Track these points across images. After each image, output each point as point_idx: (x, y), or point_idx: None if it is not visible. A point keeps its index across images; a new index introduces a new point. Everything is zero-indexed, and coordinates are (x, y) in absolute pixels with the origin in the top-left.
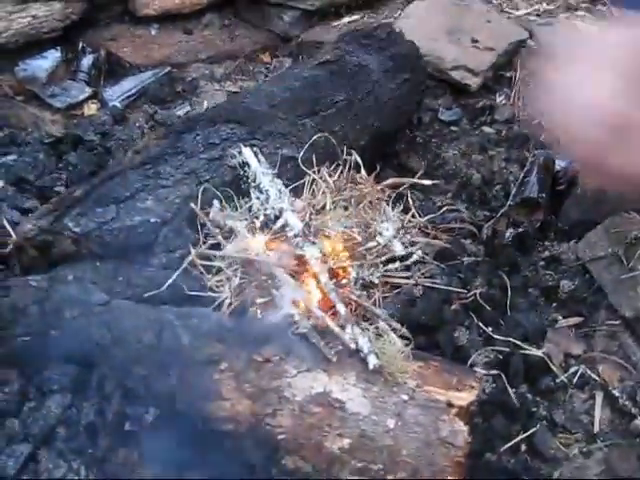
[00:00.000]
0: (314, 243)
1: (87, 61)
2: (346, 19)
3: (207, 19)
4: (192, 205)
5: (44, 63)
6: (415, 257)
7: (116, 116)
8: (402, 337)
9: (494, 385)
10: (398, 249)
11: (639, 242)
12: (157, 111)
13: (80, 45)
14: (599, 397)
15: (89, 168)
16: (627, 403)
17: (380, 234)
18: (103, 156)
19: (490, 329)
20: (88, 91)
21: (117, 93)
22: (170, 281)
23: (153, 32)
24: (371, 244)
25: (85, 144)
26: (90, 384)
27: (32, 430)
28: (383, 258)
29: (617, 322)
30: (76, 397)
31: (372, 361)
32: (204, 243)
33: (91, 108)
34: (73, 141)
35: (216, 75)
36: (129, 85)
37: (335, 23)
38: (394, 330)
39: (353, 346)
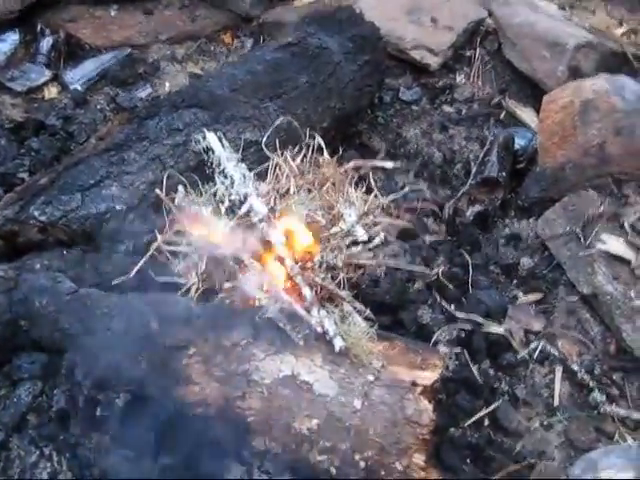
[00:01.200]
0: (279, 228)
1: (46, 43)
2: None
3: None
4: (157, 191)
5: (2, 46)
6: (377, 241)
7: (77, 99)
8: (367, 319)
9: (457, 362)
10: (360, 234)
11: (596, 220)
12: (118, 93)
13: (39, 27)
14: (559, 371)
15: (52, 153)
16: (585, 377)
17: (343, 219)
18: (66, 141)
19: (452, 307)
20: (48, 74)
21: (78, 76)
22: (137, 267)
23: (113, 13)
24: (335, 229)
25: (47, 129)
26: (60, 372)
27: (3, 418)
28: (347, 241)
29: (575, 298)
30: (46, 384)
31: (338, 343)
32: (170, 229)
33: (52, 91)
34: (35, 126)
35: (177, 56)
36: (90, 67)
37: (296, 3)
38: (358, 312)
39: (320, 329)
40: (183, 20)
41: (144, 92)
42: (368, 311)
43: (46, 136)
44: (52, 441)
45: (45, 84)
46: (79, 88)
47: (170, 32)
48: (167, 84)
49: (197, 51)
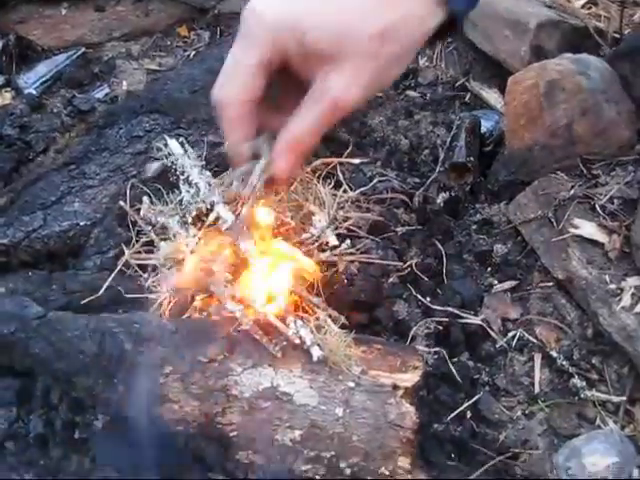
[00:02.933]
0: (248, 235)
1: None
2: None
3: None
4: (121, 203)
5: None
6: (344, 246)
7: (32, 104)
8: (343, 325)
9: (436, 356)
10: (332, 240)
11: (567, 204)
12: (75, 95)
13: None
14: (538, 359)
15: (10, 165)
16: (564, 363)
17: (313, 224)
18: (24, 151)
19: (428, 299)
20: (0, 79)
21: (32, 79)
22: (106, 285)
23: (63, 11)
24: (305, 236)
25: (3, 139)
26: (35, 397)
27: None
28: (317, 244)
29: (550, 284)
30: (22, 410)
31: (315, 353)
32: (137, 242)
33: (5, 97)
34: None
35: (133, 53)
36: (43, 70)
37: None
38: (334, 320)
39: (297, 339)
40: (137, 15)
41: (101, 92)
42: (343, 319)
43: (2, 147)
44: (33, 466)
45: None
46: (34, 92)
47: (124, 28)
48: (124, 82)
49: (153, 47)
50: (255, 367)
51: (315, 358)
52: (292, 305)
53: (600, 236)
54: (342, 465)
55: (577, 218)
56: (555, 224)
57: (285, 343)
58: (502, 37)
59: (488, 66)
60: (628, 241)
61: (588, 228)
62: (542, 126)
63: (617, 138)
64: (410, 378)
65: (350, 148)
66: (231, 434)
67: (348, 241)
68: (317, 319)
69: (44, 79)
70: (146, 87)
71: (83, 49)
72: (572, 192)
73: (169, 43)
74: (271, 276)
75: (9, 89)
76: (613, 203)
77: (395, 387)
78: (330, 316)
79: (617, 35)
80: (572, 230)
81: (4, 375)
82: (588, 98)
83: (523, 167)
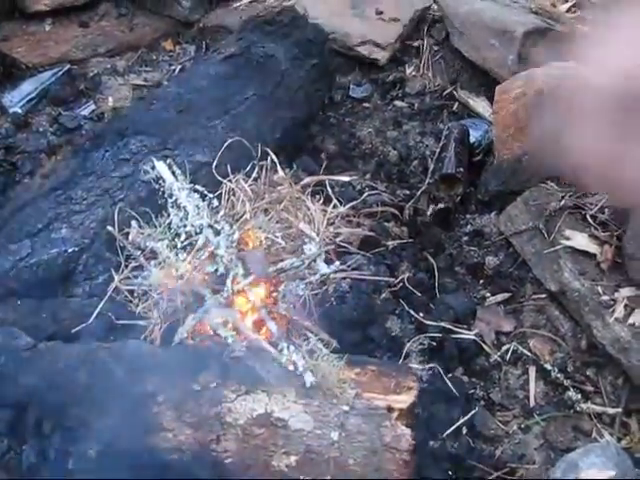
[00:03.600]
0: (237, 260)
1: None
2: None
3: (103, 9)
4: (109, 228)
5: None
6: (333, 268)
7: (18, 123)
8: (336, 348)
9: (430, 372)
10: (322, 268)
11: (558, 214)
12: (61, 113)
13: None
14: (532, 372)
15: None
16: (559, 375)
17: (303, 250)
18: (10, 173)
19: (421, 315)
20: None
21: (16, 98)
22: (96, 312)
23: (47, 28)
24: (296, 263)
25: None
26: (27, 427)
27: None
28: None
29: (543, 296)
30: (14, 441)
31: (308, 379)
32: (126, 267)
33: None
34: None
35: (118, 68)
36: (28, 88)
37: (236, 4)
38: (326, 344)
39: (291, 367)
40: (121, 30)
41: (87, 109)
42: (335, 342)
43: None
44: None
45: None
46: (19, 111)
47: (109, 44)
48: (110, 99)
49: (138, 62)
50: (249, 393)
51: (308, 384)
52: (284, 329)
53: (592, 247)
54: None
55: (568, 229)
56: (546, 235)
57: (278, 368)
58: (489, 46)
59: (475, 75)
60: (620, 251)
61: (579, 239)
62: (531, 136)
63: None
64: (405, 399)
65: (333, 161)
66: (226, 461)
67: (337, 263)
68: (309, 343)
69: (29, 97)
70: (132, 107)
71: (68, 66)
72: (563, 202)
73: (154, 57)
74: (262, 301)
75: None
76: (604, 213)
77: (390, 409)
78: (322, 340)
79: None
80: (563, 241)
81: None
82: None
83: (513, 177)
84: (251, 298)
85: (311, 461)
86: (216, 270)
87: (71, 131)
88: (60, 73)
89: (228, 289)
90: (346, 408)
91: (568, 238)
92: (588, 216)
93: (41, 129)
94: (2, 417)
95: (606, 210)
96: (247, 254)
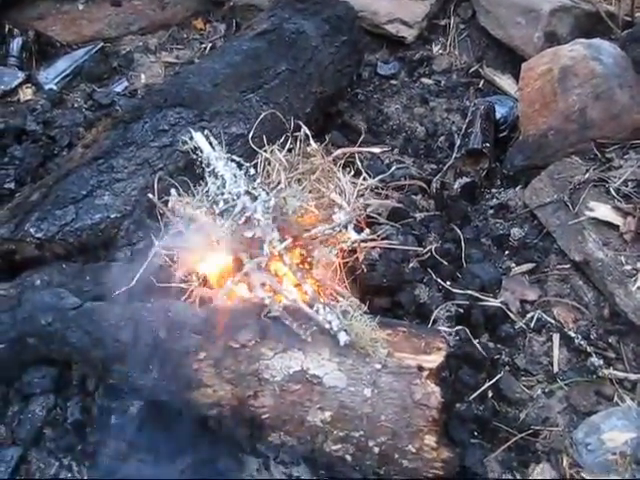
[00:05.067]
0: (274, 226)
1: (16, 44)
2: None
3: None
4: (150, 196)
5: None
6: (364, 235)
7: (53, 99)
8: (367, 311)
9: (457, 338)
10: (353, 235)
11: (582, 187)
12: (95, 89)
13: (6, 28)
14: (556, 339)
15: (37, 161)
16: (582, 342)
17: (336, 213)
18: (49, 146)
19: (448, 283)
20: (21, 76)
21: (52, 75)
22: (137, 276)
23: (81, 7)
24: (327, 230)
25: (28, 135)
26: (72, 384)
27: (19, 434)
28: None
29: (567, 266)
30: (59, 397)
31: (342, 338)
32: (166, 233)
33: (27, 93)
34: (15, 133)
35: (150, 46)
36: (63, 65)
37: None
38: (357, 306)
39: (327, 325)
40: (153, 9)
41: (120, 86)
42: (365, 307)
43: (28, 143)
44: (70, 452)
45: (19, 86)
46: (54, 87)
47: (141, 22)
48: (143, 76)
49: (170, 40)
50: (285, 351)
51: (342, 343)
52: (318, 293)
53: (615, 218)
54: (371, 444)
55: (592, 201)
56: (571, 207)
57: (315, 328)
58: (515, 24)
59: (501, 52)
60: None
61: (603, 211)
62: (556, 111)
63: (631, 122)
64: (434, 359)
65: (364, 136)
66: (263, 416)
67: (367, 230)
68: (342, 305)
69: (64, 74)
70: (169, 81)
71: (101, 44)
72: (587, 176)
73: (185, 36)
74: (298, 266)
75: (30, 85)
76: (627, 186)
77: (420, 368)
78: (352, 305)
79: (629, 19)
80: (588, 213)
81: (41, 364)
82: (601, 83)
83: (538, 152)
84: (287, 262)
85: (344, 417)
86: (253, 235)
87: (105, 107)
88: (93, 51)
89: (266, 253)
90: (378, 366)
91: (592, 210)
92: (612, 189)
93: (76, 105)
94: (48, 374)
95: (629, 183)
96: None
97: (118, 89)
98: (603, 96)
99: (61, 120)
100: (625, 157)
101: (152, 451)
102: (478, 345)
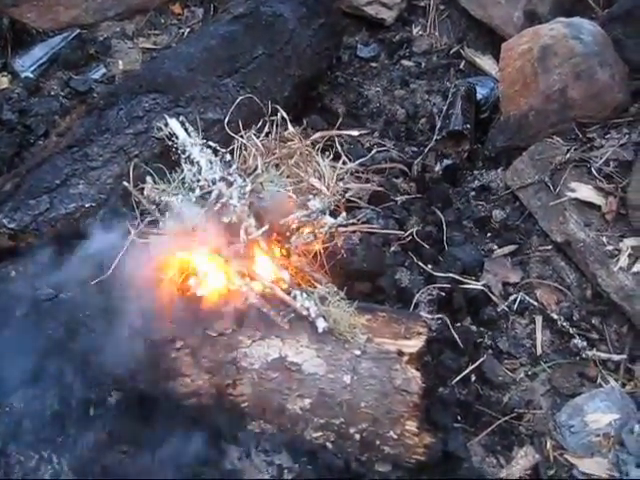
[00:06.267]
0: (251, 212)
1: None
2: None
3: None
4: (125, 184)
5: None
6: (340, 220)
7: (30, 87)
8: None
9: (439, 322)
10: (329, 221)
11: (564, 168)
12: (72, 77)
13: None
14: (539, 321)
15: (12, 150)
16: (565, 324)
17: (313, 198)
18: (25, 135)
19: (430, 267)
20: None
21: (28, 63)
22: (114, 265)
23: None
24: (304, 217)
25: (4, 124)
26: (50, 376)
27: None
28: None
29: (549, 247)
30: (37, 390)
31: (321, 325)
32: (142, 221)
33: (2, 82)
34: None
35: (128, 32)
36: (39, 53)
37: None
38: (335, 294)
39: (305, 312)
40: None
41: (98, 73)
42: (342, 294)
43: (4, 132)
44: (50, 444)
45: None
46: (31, 75)
47: (118, 8)
48: (120, 62)
49: (147, 25)
50: (263, 339)
51: (320, 330)
52: (296, 279)
53: (596, 199)
54: (352, 431)
55: (573, 182)
56: (552, 188)
57: (292, 315)
58: (495, 3)
59: (482, 32)
60: (624, 203)
61: (585, 191)
62: (537, 91)
63: (611, 101)
64: (415, 344)
65: (342, 119)
66: (242, 405)
67: (344, 214)
68: (321, 291)
69: (40, 62)
70: (144, 66)
71: (78, 30)
72: (568, 156)
73: (163, 21)
74: (275, 252)
75: (5, 73)
76: (609, 165)
77: (400, 353)
78: (330, 292)
79: None
80: (569, 194)
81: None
82: (581, 62)
83: (519, 132)
84: (264, 248)
85: (324, 404)
86: (230, 221)
87: (82, 94)
88: (70, 38)
89: (243, 240)
90: (358, 352)
91: (573, 190)
92: (593, 169)
93: (53, 93)
94: (25, 367)
95: (611, 163)
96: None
97: (95, 76)
98: (583, 75)
99: (37, 108)
100: (606, 137)
101: (132, 442)
102: (459, 330)
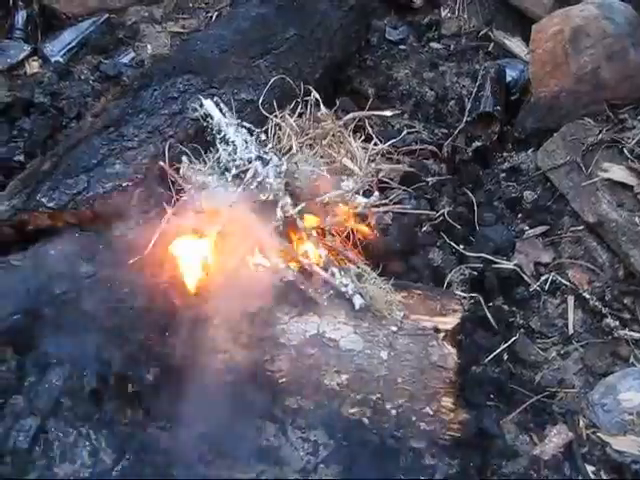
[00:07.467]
0: (287, 191)
1: (21, 17)
2: None
3: None
4: (161, 163)
5: None
6: (373, 199)
7: (60, 72)
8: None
9: (472, 301)
10: (361, 200)
11: (596, 149)
12: (101, 61)
13: (11, 1)
14: (571, 301)
15: (45, 133)
16: (597, 304)
17: (347, 178)
18: (57, 118)
19: (462, 247)
20: (27, 48)
21: (58, 47)
22: (151, 243)
23: None
24: (337, 197)
25: (36, 107)
26: (88, 353)
27: (37, 404)
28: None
29: (581, 227)
30: (76, 367)
31: (357, 301)
32: (177, 200)
33: (33, 66)
34: (23, 105)
35: (156, 16)
36: (69, 37)
37: None
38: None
39: (342, 289)
40: None
41: (127, 57)
42: (378, 272)
43: (37, 115)
44: (88, 420)
45: (25, 59)
46: (61, 60)
47: None
48: (149, 46)
49: (175, 9)
50: (301, 315)
51: (357, 306)
52: (332, 257)
53: (629, 179)
54: (388, 406)
55: (605, 162)
56: (584, 169)
57: (330, 292)
58: None
59: (510, 15)
60: None
61: (617, 171)
62: (568, 72)
63: None
64: (450, 321)
65: (371, 101)
66: (280, 381)
67: (377, 194)
68: (357, 268)
69: (70, 47)
70: (176, 48)
71: (107, 15)
72: (600, 137)
73: (191, 5)
74: (310, 231)
75: (36, 58)
76: None
77: (437, 330)
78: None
79: None
80: (601, 174)
81: (57, 334)
82: (614, 43)
83: (550, 114)
84: (300, 226)
85: (361, 379)
86: (267, 198)
87: (112, 78)
88: (99, 22)
89: (279, 217)
90: (394, 328)
91: (606, 171)
92: (625, 149)
93: (83, 77)
94: (64, 343)
95: None
96: None
97: (125, 60)
98: (616, 56)
99: (68, 92)
100: (638, 117)
101: (169, 418)
102: (491, 309)
